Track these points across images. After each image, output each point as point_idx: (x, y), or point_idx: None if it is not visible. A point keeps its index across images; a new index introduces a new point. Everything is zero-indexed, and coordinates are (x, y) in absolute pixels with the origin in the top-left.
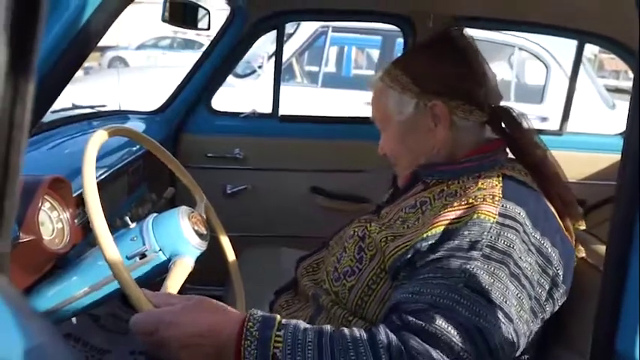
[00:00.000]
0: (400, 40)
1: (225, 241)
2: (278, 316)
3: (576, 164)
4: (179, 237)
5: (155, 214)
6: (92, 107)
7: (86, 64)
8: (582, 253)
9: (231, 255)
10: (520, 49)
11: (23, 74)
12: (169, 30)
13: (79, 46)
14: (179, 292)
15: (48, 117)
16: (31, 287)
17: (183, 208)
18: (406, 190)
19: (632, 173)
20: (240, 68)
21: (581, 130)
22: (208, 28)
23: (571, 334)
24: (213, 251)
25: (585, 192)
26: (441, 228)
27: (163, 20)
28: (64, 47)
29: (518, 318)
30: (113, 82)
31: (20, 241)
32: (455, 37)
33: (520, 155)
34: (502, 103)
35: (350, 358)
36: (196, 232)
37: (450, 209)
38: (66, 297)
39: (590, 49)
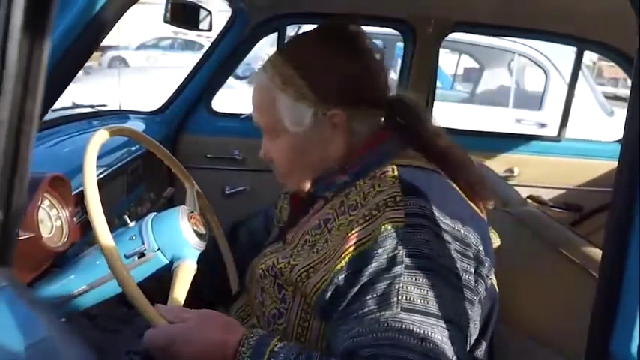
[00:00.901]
0: (400, 44)
1: (217, 230)
2: (273, 341)
3: (574, 171)
4: (178, 237)
5: (154, 214)
6: (92, 106)
7: (86, 63)
8: (496, 239)
9: (223, 242)
10: (520, 55)
11: (35, 71)
12: (170, 31)
13: (86, 43)
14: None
15: (48, 115)
16: (30, 285)
17: (183, 208)
18: (306, 208)
19: (628, 179)
20: (240, 70)
21: (580, 136)
22: (210, 30)
23: (564, 338)
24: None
25: (583, 198)
26: (354, 253)
27: (165, 21)
28: (70, 44)
29: (461, 317)
30: (113, 82)
31: (19, 238)
32: (350, 31)
33: (422, 147)
34: (498, 108)
35: None
36: (196, 232)
37: (356, 228)
38: (64, 295)
39: (589, 57)
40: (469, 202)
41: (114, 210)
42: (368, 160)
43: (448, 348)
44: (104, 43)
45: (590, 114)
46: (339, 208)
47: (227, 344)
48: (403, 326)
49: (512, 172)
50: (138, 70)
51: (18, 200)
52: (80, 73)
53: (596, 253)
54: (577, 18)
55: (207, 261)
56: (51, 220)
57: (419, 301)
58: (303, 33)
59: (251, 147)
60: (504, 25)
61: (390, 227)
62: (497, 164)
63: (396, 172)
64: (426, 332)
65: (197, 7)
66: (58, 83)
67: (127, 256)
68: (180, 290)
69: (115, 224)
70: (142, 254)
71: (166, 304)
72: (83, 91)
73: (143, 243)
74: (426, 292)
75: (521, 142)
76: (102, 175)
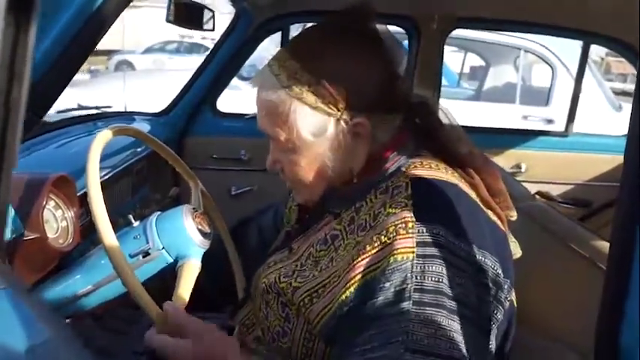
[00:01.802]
0: (405, 42)
1: (223, 229)
2: None
3: (582, 165)
4: (183, 235)
5: (159, 213)
6: (97, 108)
7: (92, 67)
8: (517, 249)
9: (228, 241)
10: (526, 51)
11: (20, 57)
12: (176, 34)
13: (84, 41)
14: (192, 294)
15: (54, 117)
16: (35, 285)
17: (187, 207)
18: (317, 219)
19: (635, 172)
20: (245, 71)
21: (588, 132)
22: (213, 29)
23: (575, 333)
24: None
25: (592, 193)
26: (360, 283)
27: (168, 21)
28: (69, 42)
29: (474, 354)
30: (120, 85)
31: (25, 238)
32: (371, 29)
33: (441, 154)
34: (504, 105)
35: None
36: (200, 230)
37: (364, 254)
38: (69, 295)
39: (597, 52)
40: (489, 212)
41: (119, 210)
42: (381, 172)
43: None
44: (110, 47)
45: (598, 109)
46: (349, 225)
47: None
48: None
49: (520, 168)
50: (144, 73)
51: (4, 193)
52: (87, 76)
53: (606, 247)
54: (583, 11)
55: (213, 261)
56: (56, 221)
57: (426, 341)
58: (316, 29)
59: (257, 147)
60: (509, 20)
61: (399, 258)
62: (505, 160)
63: (409, 191)
64: None
65: (200, 7)
66: (58, 82)
67: (131, 256)
68: (184, 289)
69: (120, 224)
70: (146, 253)
71: None
72: (90, 95)
73: (147, 242)
74: (434, 331)
75: (529, 138)
76: (107, 176)
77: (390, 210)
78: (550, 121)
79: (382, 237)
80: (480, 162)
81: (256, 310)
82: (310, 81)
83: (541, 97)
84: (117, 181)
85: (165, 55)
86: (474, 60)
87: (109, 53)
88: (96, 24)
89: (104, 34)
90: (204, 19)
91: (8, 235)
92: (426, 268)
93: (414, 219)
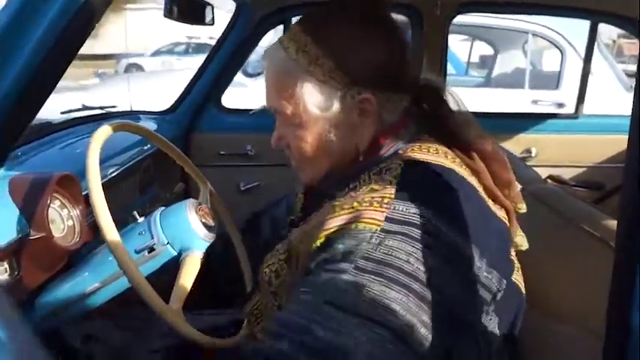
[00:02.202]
0: (409, 32)
1: (232, 229)
2: None
3: (594, 147)
4: (187, 229)
5: (163, 208)
6: (102, 108)
7: (101, 70)
8: (524, 242)
9: (238, 241)
10: (534, 35)
11: None
12: (183, 35)
13: (74, 34)
14: (193, 287)
15: (59, 117)
16: (44, 284)
17: (191, 201)
18: (316, 206)
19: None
20: (251, 67)
21: (600, 113)
22: (213, 23)
23: (587, 314)
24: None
25: (605, 175)
26: (322, 240)
27: (165, 15)
28: (58, 35)
29: (405, 323)
30: (130, 86)
31: (31, 237)
32: (379, 4)
33: (448, 138)
34: (514, 90)
35: None
36: (204, 224)
37: (334, 215)
38: (77, 293)
39: (609, 35)
40: (490, 202)
41: (128, 209)
42: (379, 154)
43: (364, 348)
44: (119, 50)
45: (611, 90)
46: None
47: None
48: (319, 318)
49: (530, 152)
50: (152, 74)
51: None
52: (96, 80)
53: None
54: None
55: (221, 258)
56: (62, 220)
57: (349, 300)
58: (328, 6)
59: (264, 142)
60: (513, 2)
61: (361, 227)
62: (514, 145)
63: (398, 171)
64: (341, 329)
65: (198, 1)
66: (48, 79)
67: (137, 252)
68: (185, 280)
69: (129, 222)
70: (151, 249)
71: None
72: (100, 97)
73: (152, 237)
74: (360, 293)
75: (538, 122)
76: (114, 174)
77: (374, 187)
78: (561, 105)
79: (355, 203)
80: (489, 147)
81: (264, 300)
82: (319, 54)
83: (551, 81)
84: (124, 180)
85: (173, 57)
86: (483, 49)
87: (113, 57)
88: (84, 18)
89: (93, 27)
90: (205, 14)
91: (14, 234)
92: (384, 242)
93: (392, 196)
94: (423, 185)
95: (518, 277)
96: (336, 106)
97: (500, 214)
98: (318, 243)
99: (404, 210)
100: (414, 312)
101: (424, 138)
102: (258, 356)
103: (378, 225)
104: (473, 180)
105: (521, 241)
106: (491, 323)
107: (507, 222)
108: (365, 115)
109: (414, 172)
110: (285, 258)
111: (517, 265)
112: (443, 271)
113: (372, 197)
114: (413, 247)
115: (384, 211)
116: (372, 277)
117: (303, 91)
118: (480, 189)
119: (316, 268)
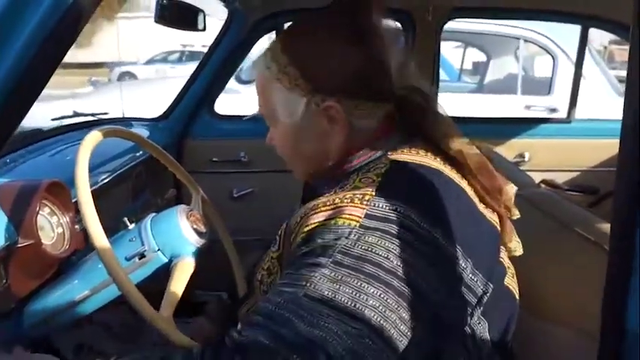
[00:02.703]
0: (402, 39)
1: (224, 235)
2: None
3: (587, 151)
4: (178, 236)
5: (154, 214)
6: (93, 115)
7: (94, 78)
8: (518, 249)
9: (230, 246)
10: (526, 41)
11: None
12: (178, 44)
13: (61, 36)
14: (184, 294)
15: (49, 124)
16: (34, 292)
17: (182, 207)
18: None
19: (632, 151)
20: (244, 74)
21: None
22: (204, 29)
23: (583, 317)
24: (218, 256)
25: (598, 180)
26: (304, 235)
27: (156, 21)
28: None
29: (383, 319)
30: (123, 94)
31: (19, 245)
32: (353, 14)
33: (433, 145)
34: (506, 96)
35: None
36: (195, 230)
37: (317, 211)
38: (67, 301)
39: (600, 41)
40: (482, 207)
41: (119, 215)
42: (369, 156)
43: (343, 343)
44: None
45: (602, 95)
46: None
47: None
48: (299, 311)
49: (523, 157)
50: (146, 82)
51: None
52: (90, 88)
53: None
54: None
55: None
56: (52, 228)
57: (327, 294)
58: (305, 15)
59: (257, 148)
60: (505, 8)
61: (340, 222)
62: (507, 150)
63: (383, 170)
64: (319, 322)
65: (190, 7)
66: (35, 82)
67: (127, 259)
68: (176, 287)
69: (119, 229)
70: (142, 255)
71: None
72: (93, 104)
73: (143, 244)
74: (339, 287)
75: (531, 126)
76: (106, 180)
77: (358, 184)
78: (553, 110)
79: (337, 200)
80: (473, 163)
81: (257, 302)
82: (286, 63)
83: (543, 87)
84: (116, 186)
85: (167, 65)
86: (475, 56)
87: (106, 65)
88: (72, 18)
89: (82, 28)
90: (197, 20)
91: (2, 242)
92: (363, 238)
93: (373, 194)
94: (406, 184)
95: (511, 282)
96: (301, 112)
97: (492, 217)
98: (299, 239)
99: (384, 207)
100: (392, 308)
101: (414, 141)
102: (239, 348)
103: (357, 221)
104: (463, 183)
105: (516, 246)
106: (480, 327)
107: (498, 226)
108: (334, 122)
109: (399, 171)
110: (278, 256)
111: (511, 270)
112: (424, 268)
113: (354, 194)
114: (392, 243)
115: (364, 208)
116: (350, 272)
117: (273, 97)
118: (471, 191)
119: (296, 262)
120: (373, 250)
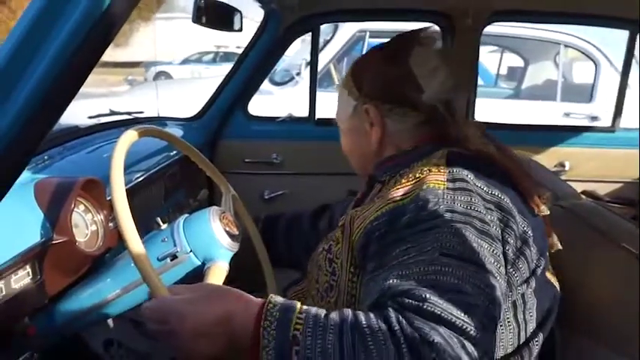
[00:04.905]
0: (439, 43)
1: (254, 233)
2: (299, 303)
3: (631, 163)
4: (210, 238)
5: (186, 215)
6: (129, 114)
7: (130, 77)
8: (557, 243)
9: (260, 245)
10: (566, 46)
11: None
12: (212, 45)
13: (96, 40)
14: None
15: (86, 122)
16: (66, 289)
17: (214, 209)
18: (367, 194)
19: None
20: (278, 76)
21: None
22: (241, 30)
23: (627, 336)
24: (247, 254)
25: None
26: (392, 205)
27: (194, 21)
28: (80, 42)
29: (499, 274)
30: (159, 93)
31: (54, 242)
32: (401, 42)
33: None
34: (545, 103)
35: (368, 345)
36: (227, 232)
37: (399, 186)
38: (99, 299)
39: None
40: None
41: (152, 215)
42: (426, 149)
43: (486, 294)
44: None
45: None
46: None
47: (232, 313)
48: (443, 268)
49: (564, 166)
50: (181, 82)
51: None
52: (127, 87)
53: None
54: None
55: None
56: (86, 225)
57: (458, 248)
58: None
59: (289, 150)
60: (547, 12)
61: (431, 186)
62: (547, 159)
63: (445, 152)
64: (464, 275)
65: (227, 7)
66: (72, 82)
67: (159, 259)
68: None
69: (151, 228)
70: (174, 256)
71: None
72: (129, 103)
73: (175, 245)
74: (465, 241)
75: (572, 135)
76: (139, 180)
77: (426, 162)
78: (594, 118)
79: (416, 174)
80: (509, 163)
81: (310, 282)
82: (348, 77)
83: (584, 94)
84: (149, 185)
85: (201, 65)
86: (512, 60)
87: (142, 65)
88: (107, 23)
89: (116, 33)
90: (233, 21)
91: (37, 238)
92: (456, 197)
93: (445, 164)
94: (469, 162)
95: (552, 278)
96: (350, 113)
97: (534, 207)
98: (381, 212)
99: (459, 172)
100: (501, 262)
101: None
102: (413, 312)
103: (443, 183)
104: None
105: (556, 240)
106: (530, 303)
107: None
108: (373, 123)
109: (458, 155)
110: (337, 238)
111: (549, 265)
112: (500, 226)
113: (429, 168)
114: (479, 202)
115: (443, 174)
116: (463, 225)
117: (339, 105)
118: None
119: (408, 234)
120: (471, 207)
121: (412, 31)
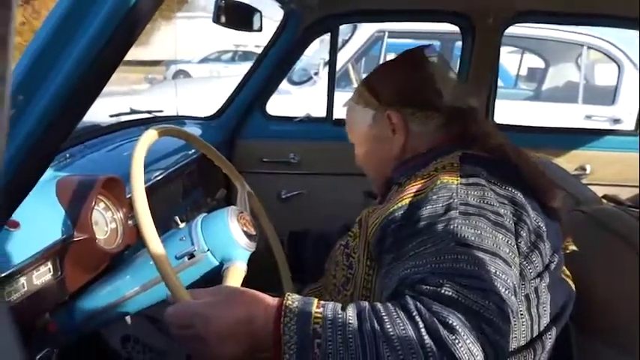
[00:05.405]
0: (459, 44)
1: (270, 230)
2: (316, 299)
3: None
4: (228, 238)
5: (204, 215)
6: (149, 112)
7: (150, 75)
8: (572, 245)
9: (275, 242)
10: (589, 48)
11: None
12: (231, 44)
13: (121, 39)
14: None
15: (106, 121)
16: (85, 286)
17: (232, 209)
18: (384, 196)
19: None
20: (296, 76)
21: None
22: (260, 30)
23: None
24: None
25: None
26: (407, 200)
27: (214, 21)
28: (106, 41)
29: (513, 264)
30: (177, 91)
31: (74, 239)
32: (415, 52)
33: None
34: (566, 105)
35: (388, 331)
36: (245, 232)
37: (414, 183)
38: (118, 297)
39: None
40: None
41: (171, 213)
42: (442, 149)
43: (502, 281)
44: (168, 57)
45: None
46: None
47: (254, 314)
48: (459, 257)
49: (585, 169)
50: (200, 80)
51: None
52: (146, 85)
53: None
54: None
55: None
56: (106, 223)
57: (473, 238)
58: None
59: (306, 150)
60: (571, 13)
61: (445, 181)
62: (568, 162)
63: (459, 152)
64: (480, 263)
65: (247, 7)
66: (95, 82)
67: (177, 257)
68: None
69: (170, 227)
70: (191, 255)
71: None
72: (148, 101)
73: (193, 244)
74: (480, 232)
75: (594, 138)
76: (158, 178)
77: (440, 161)
78: (617, 121)
79: (430, 171)
80: (521, 160)
81: (327, 278)
82: (364, 92)
83: (606, 96)
84: (168, 184)
85: (220, 64)
86: (532, 61)
87: (162, 63)
88: (132, 22)
89: (140, 32)
90: (253, 21)
91: (58, 235)
92: (469, 191)
93: (458, 162)
94: (480, 160)
95: (567, 278)
96: (370, 122)
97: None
98: (397, 206)
99: (471, 170)
100: (515, 252)
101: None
102: (431, 297)
103: (457, 179)
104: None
105: (571, 241)
106: (544, 297)
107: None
108: (395, 128)
109: (472, 156)
110: (355, 234)
111: (564, 266)
112: (513, 219)
113: (444, 165)
114: (492, 197)
115: (456, 172)
116: (478, 217)
117: (354, 117)
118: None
119: (424, 227)
120: (485, 201)
121: (421, 46)
